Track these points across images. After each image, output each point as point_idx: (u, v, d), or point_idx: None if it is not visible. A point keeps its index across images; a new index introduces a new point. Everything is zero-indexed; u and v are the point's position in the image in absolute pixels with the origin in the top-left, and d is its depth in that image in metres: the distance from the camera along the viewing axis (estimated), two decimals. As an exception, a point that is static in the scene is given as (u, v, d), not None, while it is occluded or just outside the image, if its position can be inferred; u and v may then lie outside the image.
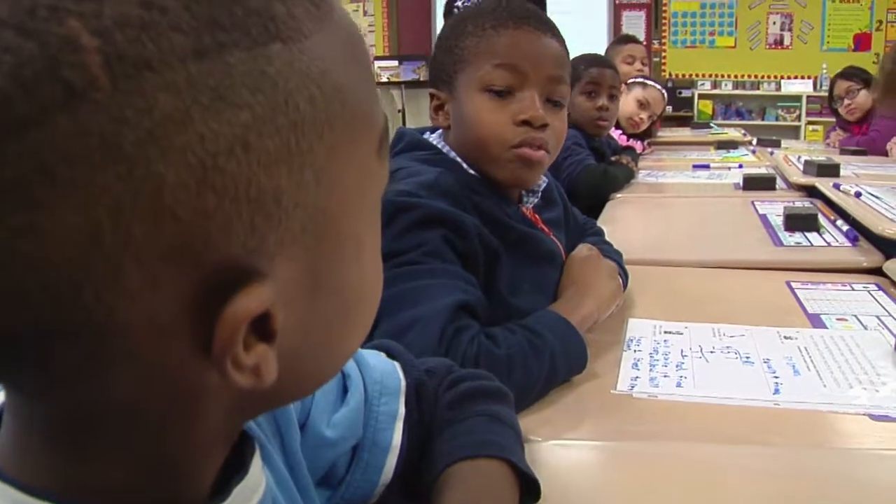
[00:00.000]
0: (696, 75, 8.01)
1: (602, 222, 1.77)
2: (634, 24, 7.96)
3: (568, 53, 1.16)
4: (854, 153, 3.52)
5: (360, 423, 0.65)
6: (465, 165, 1.13)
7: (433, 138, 1.19)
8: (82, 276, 0.32)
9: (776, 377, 0.97)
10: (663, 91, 3.55)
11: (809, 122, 7.63)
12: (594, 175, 2.44)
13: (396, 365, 0.70)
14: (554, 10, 7.92)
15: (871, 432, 0.84)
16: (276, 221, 0.36)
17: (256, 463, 0.47)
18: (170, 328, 0.34)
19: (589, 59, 2.60)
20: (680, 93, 7.96)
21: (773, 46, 7.83)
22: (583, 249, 1.23)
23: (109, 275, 0.32)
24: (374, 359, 0.69)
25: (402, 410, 0.67)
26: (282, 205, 0.36)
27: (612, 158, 2.79)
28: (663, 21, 8.01)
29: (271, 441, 0.54)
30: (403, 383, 0.69)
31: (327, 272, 0.41)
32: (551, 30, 1.13)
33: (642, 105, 3.30)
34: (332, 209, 0.39)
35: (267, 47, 0.35)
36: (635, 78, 3.47)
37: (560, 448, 0.83)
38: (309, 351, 0.42)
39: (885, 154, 3.43)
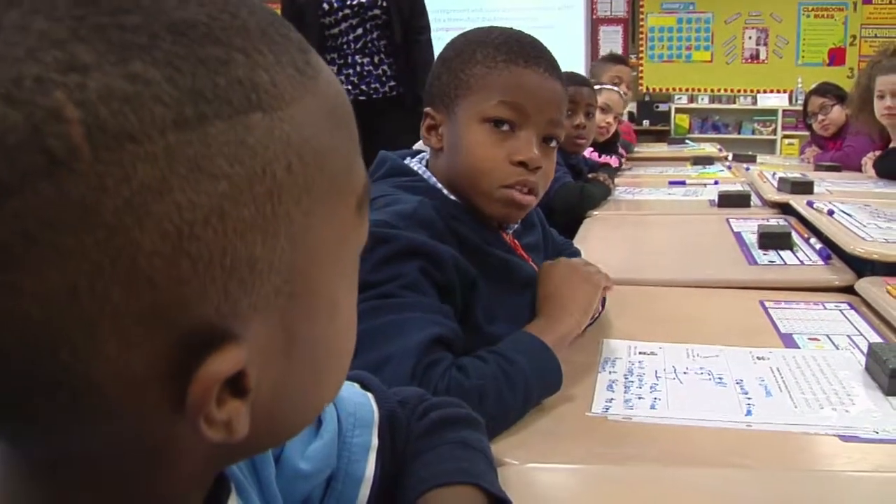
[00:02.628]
0: (673, 90, 8.07)
1: (578, 241, 1.78)
2: (612, 39, 8.01)
3: (567, 94, 1.18)
4: (828, 169, 3.56)
5: (334, 455, 0.65)
6: (445, 192, 1.14)
7: (414, 163, 1.19)
8: (59, 334, 0.32)
9: (748, 398, 0.98)
10: (619, 91, 3.58)
11: (785, 136, 7.70)
12: (571, 193, 2.45)
13: (370, 396, 0.71)
14: (531, 26, 7.91)
15: (841, 453, 0.86)
16: (250, 286, 0.37)
17: (233, 502, 0.48)
18: (144, 385, 0.35)
19: (566, 78, 2.60)
20: (657, 107, 8.02)
21: (749, 61, 7.90)
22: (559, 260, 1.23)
23: (86, 334, 0.33)
24: (348, 390, 0.70)
25: (375, 442, 0.68)
26: (256, 270, 0.36)
27: (589, 176, 2.81)
28: (640, 36, 8.07)
29: (247, 476, 0.55)
30: (377, 415, 0.69)
31: (302, 330, 0.41)
32: (557, 71, 1.14)
33: (604, 110, 3.31)
34: (308, 271, 0.40)
35: (247, 116, 0.35)
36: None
37: (536, 472, 0.83)
38: (283, 404, 0.43)
39: (859, 169, 3.47)
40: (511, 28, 1.17)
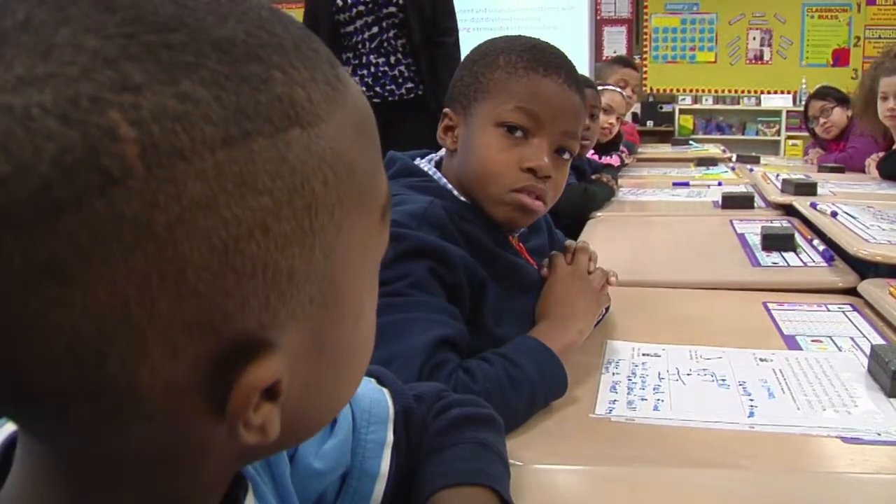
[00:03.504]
0: (677, 90, 8.07)
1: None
2: (615, 39, 8.02)
3: (585, 107, 1.18)
4: (832, 170, 3.56)
5: (349, 452, 0.66)
6: (455, 192, 1.14)
7: (423, 164, 1.20)
8: (108, 345, 0.33)
9: (751, 400, 0.98)
10: (621, 92, 3.59)
11: (789, 137, 7.69)
12: (574, 194, 2.44)
13: (385, 392, 0.71)
14: (535, 27, 7.83)
15: (843, 455, 0.86)
16: (288, 297, 0.38)
17: (250, 501, 0.49)
18: (185, 393, 0.36)
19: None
20: (661, 108, 8.02)
21: (753, 62, 7.90)
22: (562, 261, 1.22)
23: (133, 344, 0.34)
24: (364, 386, 0.70)
25: (390, 438, 0.68)
26: (293, 281, 0.38)
27: (593, 177, 2.81)
28: (644, 37, 8.07)
29: (262, 475, 0.56)
30: (392, 411, 0.70)
31: (329, 335, 0.43)
32: (577, 83, 1.14)
33: (606, 111, 3.31)
34: (337, 279, 0.41)
35: (287, 133, 0.36)
36: None
37: (539, 472, 0.84)
38: (307, 405, 0.44)
39: (863, 171, 3.47)
40: (538, 39, 1.18)
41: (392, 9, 3.22)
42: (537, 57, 1.12)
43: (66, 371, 0.34)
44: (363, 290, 0.46)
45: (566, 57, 1.17)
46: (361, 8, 3.23)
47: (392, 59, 3.30)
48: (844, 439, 0.88)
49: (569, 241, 1.28)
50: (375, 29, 3.26)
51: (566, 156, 1.16)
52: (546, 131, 1.11)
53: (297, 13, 3.42)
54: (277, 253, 0.36)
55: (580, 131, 1.16)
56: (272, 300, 0.37)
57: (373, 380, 0.73)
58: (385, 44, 3.28)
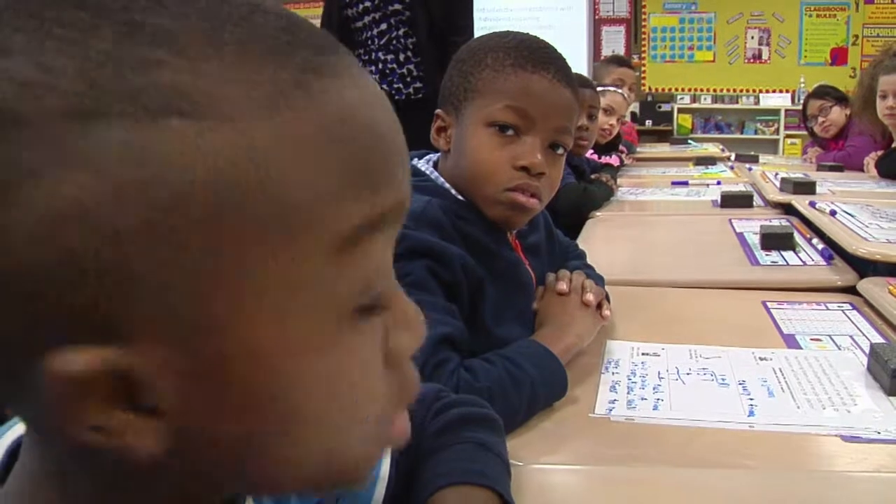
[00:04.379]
0: (676, 89, 8.07)
1: (581, 241, 1.78)
2: (614, 39, 8.02)
3: (579, 102, 1.16)
4: (831, 169, 3.56)
5: None
6: (453, 192, 1.14)
7: (421, 164, 1.20)
8: None
9: (751, 399, 0.98)
10: (623, 93, 3.58)
11: (788, 136, 7.70)
12: (573, 193, 2.45)
13: None
14: (534, 26, 7.82)
15: (843, 454, 0.86)
16: (128, 298, 0.34)
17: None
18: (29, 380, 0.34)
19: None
20: (659, 107, 8.03)
21: (752, 61, 7.91)
22: (562, 285, 1.20)
23: None
24: None
25: None
26: (133, 283, 0.34)
27: (592, 176, 2.81)
28: (643, 36, 8.08)
29: None
30: None
31: (229, 372, 0.37)
32: (567, 78, 1.13)
33: (607, 112, 3.30)
34: (222, 313, 0.36)
35: (166, 121, 0.33)
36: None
37: (539, 472, 0.84)
38: (246, 452, 0.39)
39: (862, 169, 3.47)
40: (527, 34, 1.16)
41: (397, 6, 3.16)
42: (525, 54, 1.11)
43: None
44: (307, 333, 0.38)
45: (556, 52, 1.15)
46: (368, 4, 3.18)
47: (401, 56, 3.24)
48: (844, 438, 0.88)
49: (562, 271, 1.26)
50: (384, 26, 3.20)
51: (560, 151, 1.15)
52: (538, 128, 1.10)
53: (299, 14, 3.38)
54: (107, 246, 0.33)
55: (573, 126, 1.15)
56: (107, 293, 0.33)
57: None
58: (394, 41, 3.22)
